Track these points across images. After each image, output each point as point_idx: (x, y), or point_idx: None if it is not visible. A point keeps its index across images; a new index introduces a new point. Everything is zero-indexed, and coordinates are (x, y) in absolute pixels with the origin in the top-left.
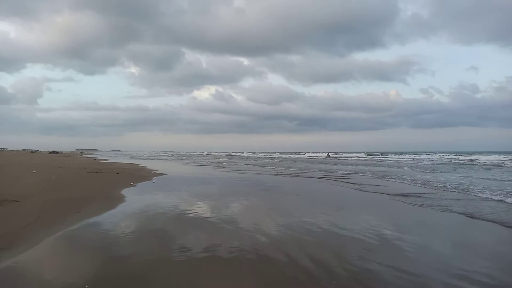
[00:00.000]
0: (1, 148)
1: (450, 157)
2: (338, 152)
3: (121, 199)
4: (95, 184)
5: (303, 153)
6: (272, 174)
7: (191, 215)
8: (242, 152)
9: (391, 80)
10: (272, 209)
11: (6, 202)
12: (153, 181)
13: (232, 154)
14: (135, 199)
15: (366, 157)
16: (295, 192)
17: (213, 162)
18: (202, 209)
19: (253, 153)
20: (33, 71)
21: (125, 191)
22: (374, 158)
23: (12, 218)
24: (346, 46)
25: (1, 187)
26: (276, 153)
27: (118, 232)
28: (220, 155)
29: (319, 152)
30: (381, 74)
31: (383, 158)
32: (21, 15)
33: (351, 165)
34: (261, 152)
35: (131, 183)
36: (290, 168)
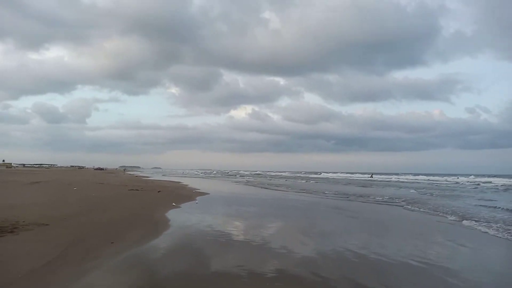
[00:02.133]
0: (51, 164)
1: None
2: (379, 173)
3: (164, 223)
4: (136, 204)
5: (341, 172)
6: (323, 196)
7: (253, 244)
8: (284, 172)
9: (433, 99)
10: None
11: (34, 226)
12: (196, 201)
13: (270, 172)
14: (181, 224)
15: (417, 179)
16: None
17: (253, 181)
18: (261, 237)
19: (292, 172)
20: (83, 93)
21: (168, 214)
22: (436, 181)
23: (35, 249)
24: (385, 64)
25: (34, 207)
26: (320, 172)
27: (165, 273)
28: (258, 173)
29: (354, 173)
30: (423, 92)
31: (440, 181)
32: (74, 41)
33: (413, 188)
34: (300, 172)
35: (173, 203)
36: (338, 191)
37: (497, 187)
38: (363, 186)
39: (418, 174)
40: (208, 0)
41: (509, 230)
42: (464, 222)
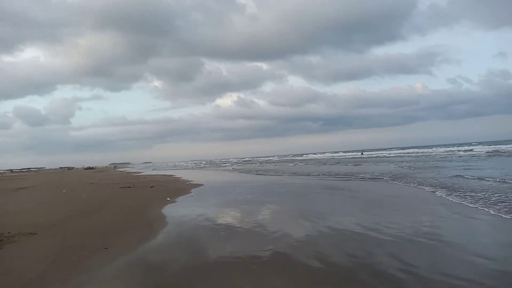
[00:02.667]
0: (39, 168)
1: (493, 147)
2: (370, 150)
3: (161, 221)
4: (129, 202)
5: (331, 152)
6: (328, 178)
7: (254, 231)
8: (273, 156)
9: (415, 73)
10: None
11: (21, 236)
12: (192, 194)
13: (260, 158)
14: (178, 220)
15: (410, 152)
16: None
17: (244, 168)
18: (260, 224)
19: (281, 156)
20: (64, 92)
21: (164, 210)
22: (423, 153)
23: (21, 262)
24: (364, 42)
25: (21, 215)
26: (303, 155)
27: (167, 277)
28: (248, 160)
29: (345, 152)
30: (404, 67)
31: (427, 152)
32: (47, 40)
33: (418, 162)
34: (289, 155)
35: (168, 198)
36: (336, 170)
37: (480, 155)
38: (354, 164)
39: (406, 148)
40: None
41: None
42: (437, 192)
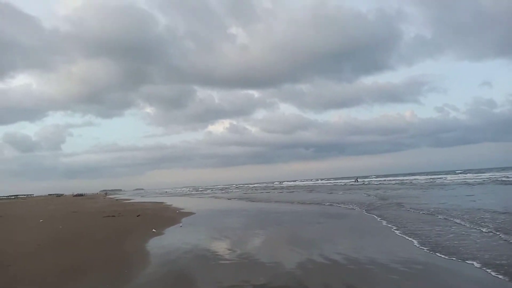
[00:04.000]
0: (27, 195)
1: (485, 175)
2: (363, 176)
3: (139, 261)
4: (108, 234)
5: (323, 179)
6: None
7: (245, 265)
8: (266, 183)
9: (403, 101)
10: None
11: None
12: (181, 225)
13: (253, 185)
14: (162, 259)
15: (411, 179)
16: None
17: (239, 195)
18: (250, 256)
19: (274, 182)
20: (55, 119)
21: (146, 245)
22: (416, 181)
23: None
24: (353, 71)
25: None
26: (297, 180)
27: None
28: (242, 186)
29: (338, 179)
30: (392, 96)
31: (423, 180)
32: (39, 67)
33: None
34: (283, 181)
35: (154, 230)
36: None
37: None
38: (342, 192)
39: (397, 175)
40: (173, 19)
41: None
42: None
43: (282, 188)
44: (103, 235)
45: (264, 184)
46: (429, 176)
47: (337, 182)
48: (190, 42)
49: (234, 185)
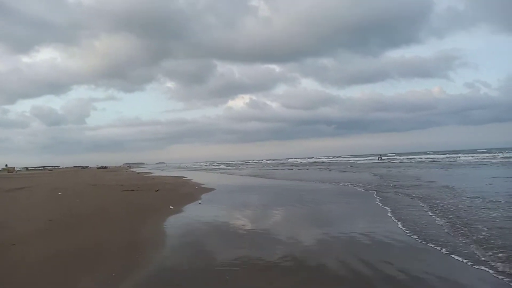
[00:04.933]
0: (54, 166)
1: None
2: (386, 155)
3: (153, 244)
4: (124, 210)
5: (345, 156)
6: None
7: (269, 245)
8: (286, 159)
9: (432, 77)
10: None
11: None
12: (200, 201)
13: (268, 161)
14: (177, 242)
15: (433, 158)
16: None
17: (252, 171)
18: (274, 236)
19: (289, 159)
20: (79, 93)
21: (162, 224)
22: (444, 159)
23: None
24: (379, 45)
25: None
26: (315, 157)
27: None
28: (259, 162)
29: (359, 156)
30: (421, 70)
31: (453, 158)
32: (64, 42)
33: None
34: (301, 158)
35: (171, 207)
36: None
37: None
38: (363, 170)
39: (425, 153)
40: None
41: None
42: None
43: (299, 164)
44: (119, 212)
45: (282, 161)
46: (451, 155)
47: (358, 160)
48: (211, 16)
49: (252, 161)
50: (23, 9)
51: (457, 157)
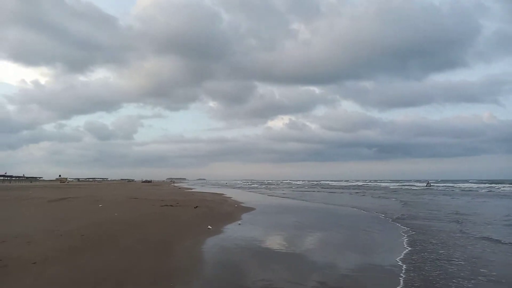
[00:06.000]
0: (103, 178)
1: None
2: (432, 180)
3: (189, 270)
4: (161, 228)
5: (387, 181)
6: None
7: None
8: (330, 180)
9: (480, 102)
10: None
11: None
12: (239, 222)
13: (315, 182)
14: (215, 271)
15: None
16: None
17: (293, 191)
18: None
19: (337, 181)
20: (128, 110)
21: (197, 249)
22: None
23: None
24: (422, 68)
25: (26, 238)
26: (359, 180)
27: None
28: (303, 183)
29: (403, 181)
30: (467, 95)
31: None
32: (115, 63)
33: None
34: (344, 180)
35: (209, 226)
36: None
37: None
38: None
39: (473, 181)
40: (236, 16)
41: None
42: None
43: (333, 187)
44: (155, 229)
45: (319, 182)
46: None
47: (396, 185)
48: (252, 39)
49: (286, 181)
50: (80, 32)
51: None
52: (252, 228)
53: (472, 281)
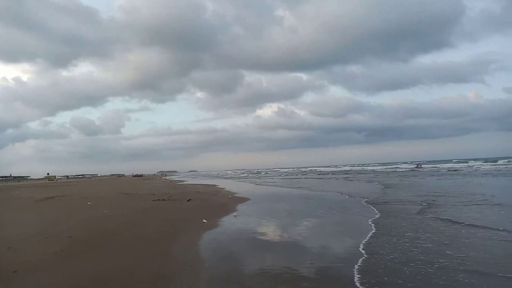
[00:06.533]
0: (92, 175)
1: None
2: (423, 162)
3: (184, 273)
4: (153, 224)
5: (378, 164)
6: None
7: None
8: (318, 167)
9: (467, 82)
10: None
11: None
12: (235, 214)
13: (305, 168)
14: (215, 272)
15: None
16: None
17: (294, 179)
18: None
19: (327, 166)
20: (114, 104)
21: (193, 246)
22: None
23: None
24: (409, 50)
25: (9, 243)
26: (347, 165)
27: None
28: (293, 171)
29: (393, 164)
30: (454, 76)
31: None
32: (99, 56)
33: None
34: (334, 166)
35: (204, 220)
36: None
37: None
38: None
39: (463, 160)
40: (221, 4)
41: None
42: None
43: (323, 173)
44: (147, 226)
45: (310, 169)
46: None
47: (388, 168)
48: (238, 27)
49: (275, 169)
50: (60, 26)
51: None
52: (248, 219)
53: (427, 264)
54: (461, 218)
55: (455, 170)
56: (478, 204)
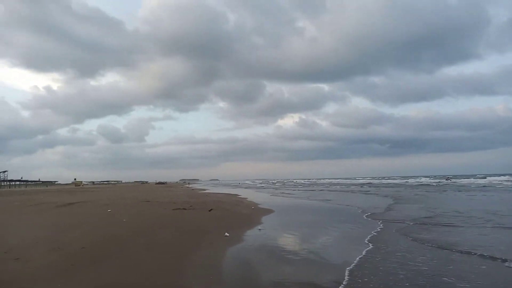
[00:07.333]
0: (117, 181)
1: None
2: (449, 176)
3: None
4: (171, 236)
5: (401, 178)
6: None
7: None
8: (338, 179)
9: (495, 94)
10: None
11: None
12: (259, 228)
13: (323, 180)
14: None
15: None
16: None
17: (312, 191)
18: None
19: (348, 178)
20: (139, 113)
21: (212, 264)
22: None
23: None
24: (433, 61)
25: (19, 251)
26: (367, 178)
27: None
28: (310, 182)
29: (418, 177)
30: (481, 87)
31: None
32: (124, 65)
33: None
34: (353, 178)
35: (226, 234)
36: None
37: None
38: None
39: (494, 175)
40: (241, 15)
41: None
42: None
43: (344, 185)
44: (165, 238)
45: (327, 180)
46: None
47: (409, 181)
48: (258, 37)
49: (294, 180)
50: (88, 37)
51: None
52: (274, 233)
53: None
54: (457, 244)
55: (484, 186)
56: (484, 227)
